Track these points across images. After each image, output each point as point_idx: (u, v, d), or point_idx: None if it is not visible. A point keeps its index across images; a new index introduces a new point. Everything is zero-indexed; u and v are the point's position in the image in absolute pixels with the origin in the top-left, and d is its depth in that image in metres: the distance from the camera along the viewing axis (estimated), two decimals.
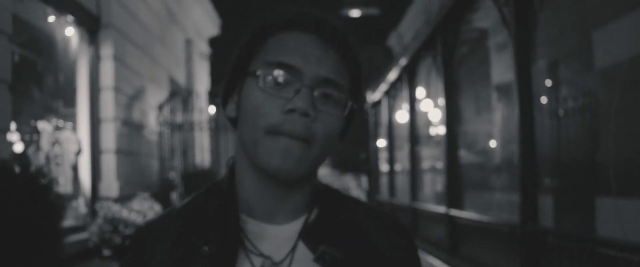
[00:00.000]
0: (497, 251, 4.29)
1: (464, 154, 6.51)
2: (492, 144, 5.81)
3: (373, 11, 20.43)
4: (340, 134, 0.80)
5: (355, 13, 20.60)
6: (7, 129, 3.90)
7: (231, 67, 0.82)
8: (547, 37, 4.61)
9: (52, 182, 3.15)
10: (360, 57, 0.81)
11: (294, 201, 0.80)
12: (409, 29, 11.59)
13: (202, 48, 11.30)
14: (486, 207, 5.56)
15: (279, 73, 0.74)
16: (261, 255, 0.77)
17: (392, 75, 8.08)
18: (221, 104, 0.84)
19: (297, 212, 0.81)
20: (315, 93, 0.74)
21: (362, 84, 0.83)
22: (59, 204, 3.17)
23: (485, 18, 4.40)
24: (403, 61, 6.90)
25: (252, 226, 0.79)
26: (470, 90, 6.28)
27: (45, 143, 5.09)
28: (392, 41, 13.08)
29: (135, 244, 0.82)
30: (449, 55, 4.63)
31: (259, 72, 0.74)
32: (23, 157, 4.47)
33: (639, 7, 3.59)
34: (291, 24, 0.77)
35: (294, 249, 0.78)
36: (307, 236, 0.79)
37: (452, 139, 4.91)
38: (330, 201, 0.85)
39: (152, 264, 0.77)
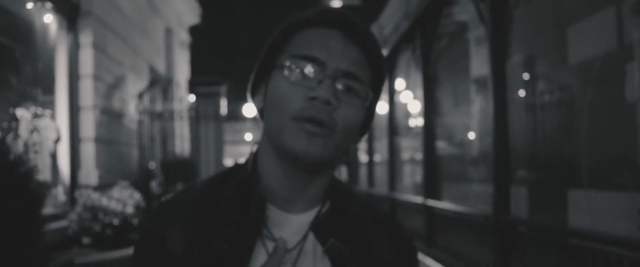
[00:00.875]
0: (472, 241, 4.40)
1: (442, 146, 6.62)
2: (470, 136, 5.93)
3: (354, 2, 20.49)
4: (360, 126, 0.84)
5: (336, 3, 20.63)
6: None
7: (259, 61, 0.86)
8: (524, 32, 4.72)
9: (32, 170, 3.15)
10: (381, 54, 0.85)
11: (312, 190, 0.84)
12: (389, 20, 11.65)
13: (183, 37, 11.22)
14: (463, 199, 5.69)
15: (303, 64, 0.79)
16: (275, 240, 0.80)
17: None
18: (250, 95, 0.89)
19: (312, 203, 0.84)
20: (338, 84, 0.78)
21: (382, 79, 0.86)
22: (39, 192, 3.16)
23: (465, 12, 4.48)
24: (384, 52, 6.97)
25: (271, 212, 0.83)
26: (449, 83, 6.39)
27: (23, 131, 5.04)
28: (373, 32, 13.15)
29: (147, 223, 0.85)
30: (428, 49, 4.70)
31: (285, 64, 0.79)
32: (1, 145, 4.43)
33: (610, 5, 3.70)
34: (316, 21, 0.82)
35: (304, 238, 0.82)
36: (317, 227, 0.82)
37: (429, 131, 5.00)
38: (341, 195, 0.88)
39: (168, 243, 0.79)
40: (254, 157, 0.87)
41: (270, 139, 0.82)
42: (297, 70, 0.79)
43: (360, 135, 0.87)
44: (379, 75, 0.85)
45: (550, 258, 2.77)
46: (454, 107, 6.34)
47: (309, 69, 0.78)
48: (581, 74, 4.27)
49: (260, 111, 0.87)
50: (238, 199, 0.82)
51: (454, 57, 5.79)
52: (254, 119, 13.00)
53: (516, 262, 3.09)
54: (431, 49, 4.70)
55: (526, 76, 4.65)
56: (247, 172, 0.85)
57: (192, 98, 9.81)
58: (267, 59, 0.85)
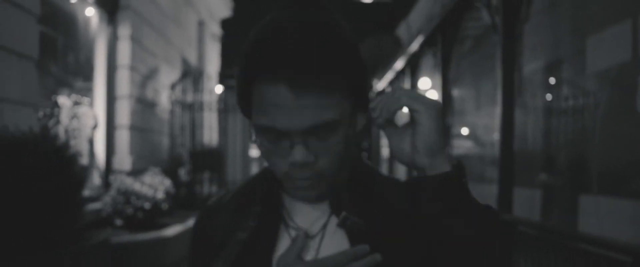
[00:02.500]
0: None
1: (462, 146, 6.76)
2: (490, 137, 6.06)
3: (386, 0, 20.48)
4: (350, 139, 0.83)
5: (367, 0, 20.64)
6: (36, 104, 4.19)
7: (237, 91, 0.84)
8: (539, 42, 4.84)
9: (76, 155, 3.44)
10: (345, 60, 0.77)
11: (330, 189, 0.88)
12: (418, 19, 11.75)
13: (214, 29, 11.53)
14: (480, 198, 5.83)
15: (269, 136, 0.79)
16: (297, 228, 0.86)
17: (399, 64, 8.29)
18: (239, 107, 0.87)
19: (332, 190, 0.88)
20: (309, 141, 0.77)
21: (364, 74, 0.82)
22: (82, 175, 3.46)
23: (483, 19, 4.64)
24: (407, 54, 7.13)
25: (292, 203, 0.89)
26: (471, 85, 6.51)
27: (64, 117, 5.38)
28: (402, 31, 13.26)
29: (199, 218, 0.96)
30: (448, 53, 4.88)
31: (256, 140, 0.82)
32: (46, 131, 4.76)
33: (627, 18, 3.82)
34: (262, 75, 0.75)
35: (325, 225, 0.86)
36: (335, 209, 0.86)
37: (447, 131, 5.18)
38: (360, 179, 0.90)
39: (213, 234, 0.90)
40: None
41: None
42: (267, 141, 0.80)
43: (356, 137, 0.87)
44: (350, 74, 0.79)
45: (549, 256, 2.94)
46: (476, 109, 6.47)
47: (276, 136, 0.78)
48: (595, 82, 4.38)
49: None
50: (265, 199, 0.89)
51: (477, 59, 5.93)
52: None
53: (518, 259, 3.27)
54: (451, 52, 4.88)
55: (542, 83, 4.79)
56: (272, 175, 0.89)
57: (219, 89, 10.11)
58: (241, 97, 0.84)
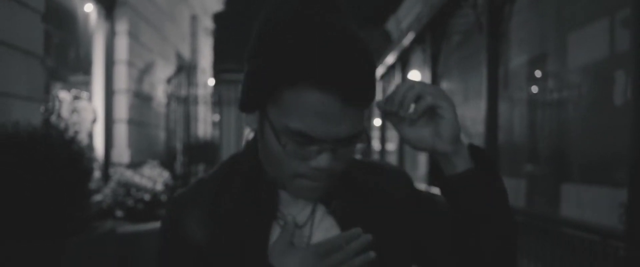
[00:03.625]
0: None
1: None
2: (477, 128, 6.29)
3: None
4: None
5: None
6: (41, 99, 4.34)
7: (249, 87, 0.82)
8: (525, 38, 5.06)
9: (84, 148, 3.60)
10: (374, 80, 0.79)
11: None
12: (407, 14, 11.95)
13: (207, 23, 11.64)
14: None
15: (299, 142, 0.77)
16: (285, 218, 0.86)
17: (389, 59, 8.49)
18: (240, 109, 0.86)
19: None
20: (338, 149, 0.79)
21: (375, 87, 0.82)
22: (89, 168, 3.62)
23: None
24: (399, 49, 7.33)
25: (281, 193, 0.88)
26: (459, 79, 6.74)
27: (65, 111, 5.52)
28: (391, 25, 13.46)
29: (169, 214, 0.89)
30: (437, 50, 5.10)
31: (278, 130, 0.78)
32: (55, 125, 4.90)
33: (606, 16, 4.04)
34: (312, 79, 0.73)
35: (313, 212, 0.87)
36: (322, 198, 0.87)
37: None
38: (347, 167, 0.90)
39: (188, 233, 0.85)
40: (253, 147, 0.89)
41: (268, 168, 0.86)
42: (293, 144, 0.77)
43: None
44: (374, 93, 0.82)
45: (528, 238, 3.18)
46: (464, 102, 6.69)
47: (306, 146, 0.77)
48: (577, 77, 4.61)
49: (254, 129, 0.87)
50: (249, 189, 0.86)
51: (465, 55, 6.14)
52: None
53: None
54: (440, 49, 5.10)
55: (526, 76, 5.01)
56: (251, 163, 0.88)
57: (211, 82, 10.25)
58: (257, 91, 0.80)
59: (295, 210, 0.87)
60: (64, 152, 3.30)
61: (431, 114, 0.82)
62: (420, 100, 0.80)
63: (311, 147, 0.77)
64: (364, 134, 0.81)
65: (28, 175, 2.98)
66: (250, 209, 0.85)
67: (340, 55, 0.72)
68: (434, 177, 0.89)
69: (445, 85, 7.06)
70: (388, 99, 0.82)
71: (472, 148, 0.86)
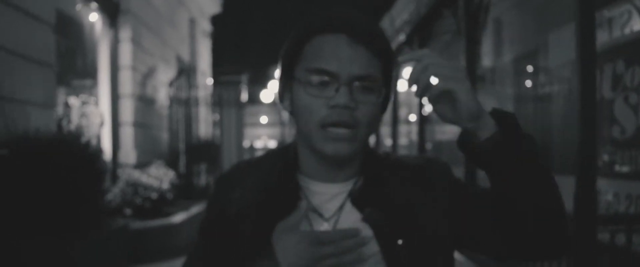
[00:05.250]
0: None
1: (448, 131, 7.33)
2: None
3: None
4: (379, 115, 0.93)
5: None
6: (54, 105, 4.63)
7: (280, 71, 0.96)
8: (508, 37, 5.37)
9: (99, 151, 3.90)
10: (387, 45, 0.91)
11: (348, 169, 0.95)
12: (401, 12, 12.22)
13: (205, 26, 11.91)
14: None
15: (319, 78, 0.87)
16: (314, 210, 0.93)
17: None
18: (279, 100, 0.98)
19: (349, 176, 0.96)
20: (352, 87, 0.87)
21: (392, 65, 0.93)
22: (103, 169, 3.92)
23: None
24: (393, 46, 7.64)
25: (310, 184, 0.95)
26: None
27: (75, 116, 5.81)
28: (385, 23, 13.71)
29: (219, 185, 1.02)
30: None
31: (302, 79, 0.89)
32: (60, 129, 5.19)
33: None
34: (323, 27, 0.89)
35: (341, 207, 0.92)
36: (355, 199, 0.92)
37: (422, 122, 5.75)
38: (375, 165, 0.97)
39: (233, 201, 0.96)
40: (294, 144, 0.99)
41: (302, 140, 0.95)
42: (314, 83, 0.87)
43: (383, 111, 0.96)
44: (388, 63, 0.92)
45: None
46: None
47: (324, 80, 0.87)
48: (556, 74, 4.92)
49: (291, 113, 0.96)
50: (279, 178, 0.95)
51: (453, 54, 6.44)
52: (271, 104, 13.71)
53: None
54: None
55: (510, 73, 5.34)
56: (290, 155, 0.97)
57: (210, 81, 10.51)
58: (286, 68, 0.94)
59: (324, 200, 0.93)
60: (80, 155, 3.60)
61: (449, 94, 0.84)
62: (431, 86, 0.83)
63: (328, 88, 0.87)
64: (380, 86, 0.89)
65: (50, 176, 3.28)
66: (276, 197, 0.92)
67: (348, 13, 0.91)
68: (461, 146, 0.91)
69: (434, 81, 7.36)
70: (409, 78, 0.85)
71: (496, 113, 0.88)
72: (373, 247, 0.88)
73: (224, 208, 0.96)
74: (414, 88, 0.84)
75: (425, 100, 0.87)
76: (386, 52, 0.91)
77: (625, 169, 3.89)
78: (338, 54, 0.87)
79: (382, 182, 0.94)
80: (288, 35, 0.95)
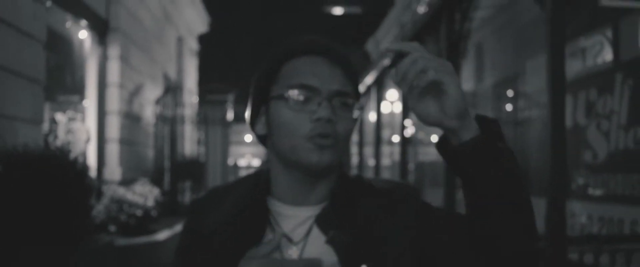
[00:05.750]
0: None
1: (422, 155, 7.45)
2: None
3: (355, 10, 21.08)
4: (350, 137, 0.97)
5: (337, 11, 21.24)
6: (42, 121, 4.68)
7: (254, 93, 0.99)
8: (489, 65, 5.57)
9: (87, 168, 3.95)
10: (355, 72, 0.99)
11: (318, 190, 0.97)
12: (385, 35, 12.48)
13: (192, 45, 12.02)
14: (435, 200, 6.52)
15: (301, 93, 0.91)
16: (284, 234, 0.94)
17: (369, 79, 8.94)
18: (250, 125, 1.01)
19: (319, 200, 0.97)
20: (333, 102, 0.92)
21: (359, 96, 1.01)
22: (91, 185, 3.97)
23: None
24: (377, 70, 7.81)
25: (281, 208, 0.97)
26: None
27: (61, 132, 5.85)
28: (370, 46, 13.99)
29: (194, 210, 1.03)
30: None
31: (286, 95, 0.92)
32: (47, 145, 5.23)
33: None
34: (304, 51, 0.95)
35: (309, 232, 0.94)
36: (321, 221, 0.94)
37: (405, 144, 5.89)
38: (347, 189, 0.98)
39: (206, 225, 0.97)
40: (264, 168, 1.03)
41: (281, 157, 0.95)
42: (297, 98, 0.91)
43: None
44: (356, 89, 0.99)
45: None
46: None
47: (306, 95, 0.91)
48: (534, 99, 5.10)
49: (262, 137, 0.99)
50: (250, 203, 0.97)
51: None
52: None
53: None
54: None
55: (491, 97, 5.52)
56: (262, 179, 1.00)
57: (196, 100, 10.58)
58: (261, 90, 0.97)
59: (293, 224, 0.94)
60: (69, 171, 3.65)
61: (436, 89, 0.84)
62: (423, 74, 0.82)
63: (312, 101, 0.91)
64: (357, 102, 0.95)
65: (42, 191, 3.33)
66: (247, 221, 0.94)
67: (323, 40, 0.98)
68: (441, 149, 0.90)
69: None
70: (396, 70, 0.84)
71: (480, 118, 0.88)
72: None
73: (198, 233, 0.97)
74: (402, 84, 0.83)
75: (407, 121, 0.93)
76: (356, 78, 0.98)
77: (598, 192, 4.06)
78: (318, 72, 0.92)
79: (348, 205, 0.95)
80: (261, 62, 1.00)
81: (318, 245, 0.91)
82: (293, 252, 0.92)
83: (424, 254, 0.92)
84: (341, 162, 0.98)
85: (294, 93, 0.91)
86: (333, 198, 0.95)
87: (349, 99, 0.93)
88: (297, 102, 0.91)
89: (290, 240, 0.93)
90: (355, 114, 0.94)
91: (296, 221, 0.95)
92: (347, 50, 1.00)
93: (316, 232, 0.93)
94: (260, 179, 1.00)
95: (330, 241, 0.90)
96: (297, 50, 0.95)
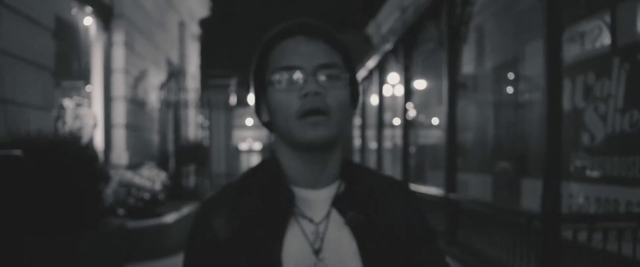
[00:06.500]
0: (431, 214, 5.38)
1: (432, 135, 7.57)
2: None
3: None
4: (351, 101, 1.00)
5: None
6: (52, 107, 4.78)
7: (253, 84, 1.03)
8: (489, 49, 5.64)
9: (97, 153, 4.06)
10: (341, 40, 0.99)
11: (329, 168, 1.00)
12: (387, 19, 12.50)
13: (194, 29, 12.06)
14: (436, 182, 6.65)
15: (286, 74, 0.94)
16: (304, 216, 0.96)
17: (371, 63, 9.01)
18: (255, 114, 1.05)
19: (331, 179, 1.00)
20: (319, 77, 0.94)
21: (351, 58, 1.01)
22: (103, 170, 4.09)
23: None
24: (379, 54, 7.88)
25: (298, 192, 0.98)
26: (435, 82, 7.31)
27: (69, 118, 5.95)
28: (371, 29, 14.00)
29: (199, 214, 1.01)
30: (409, 60, 5.67)
31: (272, 79, 0.95)
32: (56, 131, 5.33)
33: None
34: (282, 35, 0.98)
35: (328, 214, 0.97)
36: (338, 203, 0.98)
37: (407, 127, 5.99)
38: (354, 171, 1.03)
39: (214, 230, 0.96)
40: (273, 154, 1.04)
41: (284, 140, 0.98)
42: (284, 79, 0.94)
43: (354, 107, 1.03)
44: (347, 56, 1.00)
45: (480, 223, 3.73)
46: (438, 104, 7.26)
47: (291, 75, 0.94)
48: (535, 83, 5.18)
49: (268, 124, 1.02)
50: (269, 190, 0.97)
51: (438, 62, 6.71)
52: None
53: (460, 229, 4.08)
54: (411, 59, 5.68)
55: (489, 83, 5.61)
56: (272, 167, 1.01)
57: (200, 86, 10.67)
58: (257, 81, 1.01)
59: (314, 208, 0.97)
60: (81, 156, 3.76)
61: None
62: None
63: (298, 80, 0.94)
64: (343, 72, 0.97)
65: (56, 176, 3.44)
66: (269, 207, 0.95)
67: (302, 19, 1.00)
68: None
69: (423, 87, 7.63)
70: None
71: None
72: (353, 248, 0.94)
73: (212, 234, 0.96)
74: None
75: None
76: (342, 44, 0.99)
77: (595, 174, 4.17)
78: (299, 51, 0.95)
79: (360, 186, 1.00)
80: (253, 53, 1.04)
81: (338, 226, 0.96)
82: (317, 231, 0.95)
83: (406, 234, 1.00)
84: (341, 135, 0.99)
85: (279, 76, 0.94)
86: (345, 179, 1.00)
87: (335, 70, 0.95)
88: (284, 84, 0.94)
89: (311, 220, 0.96)
90: (345, 81, 0.96)
91: (313, 202, 0.98)
92: (347, 33, 1.06)
93: (335, 214, 0.97)
94: (271, 166, 1.01)
95: (348, 223, 0.95)
96: (280, 34, 0.98)
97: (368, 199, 0.99)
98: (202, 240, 0.97)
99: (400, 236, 0.98)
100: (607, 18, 4.02)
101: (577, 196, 4.33)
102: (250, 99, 1.06)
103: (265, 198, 0.96)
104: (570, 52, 4.35)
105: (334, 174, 1.00)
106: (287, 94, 0.93)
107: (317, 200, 0.98)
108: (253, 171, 1.04)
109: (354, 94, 1.00)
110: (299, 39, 0.96)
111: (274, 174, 0.99)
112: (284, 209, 0.95)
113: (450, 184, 4.29)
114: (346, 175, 1.01)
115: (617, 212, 3.42)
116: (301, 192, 0.98)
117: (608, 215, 3.29)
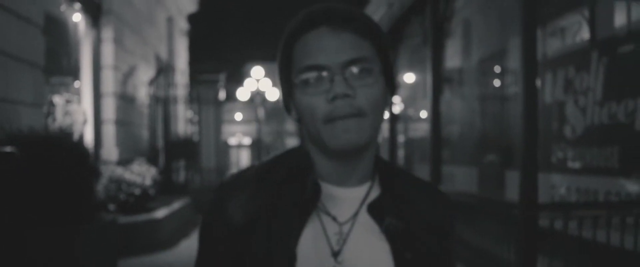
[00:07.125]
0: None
1: (421, 128, 7.68)
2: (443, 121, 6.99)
3: None
4: (385, 96, 0.90)
5: None
6: (43, 104, 4.82)
7: (280, 82, 0.94)
8: (474, 43, 5.75)
9: (89, 150, 4.12)
10: (372, 23, 0.89)
11: (361, 168, 0.92)
12: (373, 13, 12.58)
13: (182, 25, 12.07)
14: (424, 175, 6.76)
15: (311, 75, 0.85)
16: (328, 213, 0.89)
17: None
18: (286, 112, 0.96)
19: (363, 179, 0.93)
20: (347, 75, 0.84)
21: (384, 42, 0.90)
22: (95, 166, 4.14)
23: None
24: None
25: (325, 188, 0.91)
26: (422, 77, 7.43)
27: (59, 115, 5.98)
28: None
29: (216, 196, 0.94)
30: (395, 56, 5.80)
31: (296, 81, 0.87)
32: (47, 128, 5.36)
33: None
34: (303, 27, 0.88)
35: (356, 214, 0.90)
36: (371, 207, 0.91)
37: (393, 121, 6.12)
38: (387, 172, 0.95)
39: (229, 214, 0.89)
40: (302, 143, 0.97)
41: (313, 141, 0.91)
42: (309, 81, 0.85)
43: (391, 95, 0.94)
44: (379, 41, 0.88)
45: (470, 213, 3.85)
46: (423, 98, 7.38)
47: (316, 76, 0.85)
48: (516, 77, 5.30)
49: (299, 120, 0.93)
50: (295, 179, 0.90)
51: (424, 58, 6.83)
52: (246, 101, 13.91)
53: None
54: (398, 54, 5.80)
55: (472, 77, 5.73)
56: (301, 157, 0.93)
57: (188, 82, 10.69)
58: (284, 78, 0.92)
59: (340, 206, 0.90)
60: (73, 152, 3.82)
61: None
62: None
63: (324, 79, 0.85)
64: (375, 64, 0.87)
65: (46, 172, 3.49)
66: (291, 198, 0.88)
67: (324, 5, 0.89)
68: None
69: (412, 80, 7.72)
70: None
71: None
72: (385, 257, 0.88)
73: (226, 219, 0.90)
74: None
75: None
76: (372, 30, 0.88)
77: (576, 165, 4.30)
78: (323, 47, 0.85)
79: (397, 193, 0.93)
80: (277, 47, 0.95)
81: (367, 229, 0.89)
82: (341, 232, 0.88)
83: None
84: (376, 136, 0.92)
85: (303, 77, 0.86)
86: (382, 184, 0.93)
87: (364, 63, 0.85)
88: (310, 86, 0.86)
89: (334, 219, 0.89)
90: (378, 75, 0.87)
91: (340, 201, 0.91)
92: (353, 6, 0.92)
93: (364, 215, 0.90)
94: (299, 155, 0.94)
95: (386, 230, 0.88)
96: (299, 27, 0.88)
97: (406, 206, 0.92)
98: (215, 225, 0.91)
99: (435, 250, 0.92)
100: (587, 13, 4.14)
101: (559, 186, 4.46)
102: (278, 94, 1.00)
103: (288, 187, 0.90)
104: (552, 46, 4.47)
105: (365, 174, 0.93)
106: (314, 97, 0.85)
107: (345, 199, 0.91)
108: (279, 158, 0.96)
109: (389, 81, 0.91)
110: (323, 31, 0.86)
111: (302, 164, 0.92)
112: (307, 202, 0.88)
113: (435, 177, 4.41)
114: (380, 176, 0.94)
115: (592, 201, 3.56)
116: (328, 189, 0.91)
117: (583, 203, 3.42)
